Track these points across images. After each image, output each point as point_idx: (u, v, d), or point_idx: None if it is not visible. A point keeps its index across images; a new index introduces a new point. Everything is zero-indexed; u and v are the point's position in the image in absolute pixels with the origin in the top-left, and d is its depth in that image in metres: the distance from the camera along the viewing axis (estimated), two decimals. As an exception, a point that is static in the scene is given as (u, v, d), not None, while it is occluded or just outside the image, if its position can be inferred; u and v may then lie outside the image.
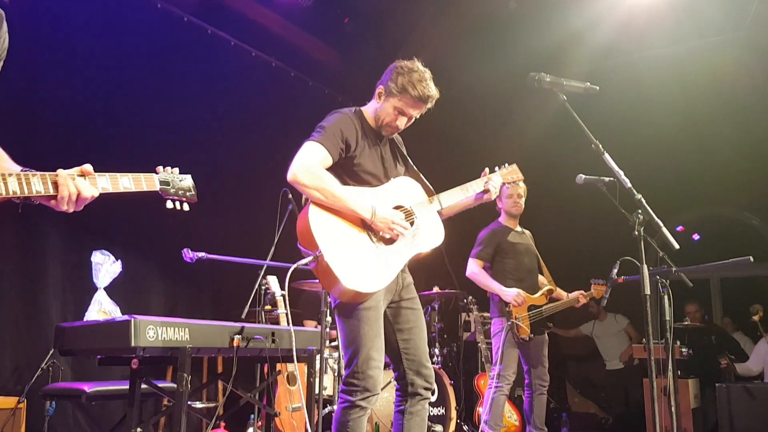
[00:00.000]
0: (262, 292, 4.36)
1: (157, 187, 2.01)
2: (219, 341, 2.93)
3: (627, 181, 2.59)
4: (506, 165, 3.20)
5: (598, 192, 2.92)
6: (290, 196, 4.63)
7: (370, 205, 2.57)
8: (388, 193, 2.73)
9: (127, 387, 2.93)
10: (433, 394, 2.79)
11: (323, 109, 7.80)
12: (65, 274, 4.47)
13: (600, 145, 2.62)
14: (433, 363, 4.88)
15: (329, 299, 4.16)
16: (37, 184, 1.70)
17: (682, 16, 6.10)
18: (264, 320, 4.37)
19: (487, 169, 3.06)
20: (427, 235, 2.77)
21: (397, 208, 2.71)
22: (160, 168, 2.07)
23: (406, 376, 2.70)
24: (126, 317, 2.62)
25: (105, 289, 4.06)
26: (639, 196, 2.48)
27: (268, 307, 4.38)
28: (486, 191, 2.96)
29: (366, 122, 2.80)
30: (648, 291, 2.47)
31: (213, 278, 5.47)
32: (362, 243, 2.58)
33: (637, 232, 2.46)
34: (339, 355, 4.27)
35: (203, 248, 3.92)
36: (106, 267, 3.95)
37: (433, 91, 2.72)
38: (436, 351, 5.36)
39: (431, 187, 2.89)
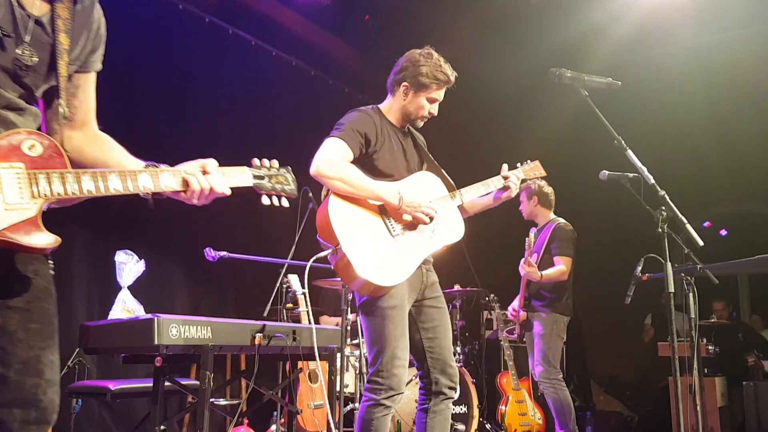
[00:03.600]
0: (284, 290, 4.39)
1: (250, 183, 1.85)
2: (241, 339, 2.94)
3: (651, 177, 2.55)
4: (528, 161, 3.15)
5: (621, 188, 2.88)
6: (311, 194, 4.64)
7: (397, 191, 2.58)
8: (407, 187, 2.72)
9: (151, 385, 2.96)
10: (456, 393, 2.77)
11: (343, 107, 7.81)
12: (90, 274, 4.54)
13: (623, 141, 2.58)
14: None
15: (350, 297, 4.18)
16: (168, 179, 1.66)
17: (705, 9, 6.00)
18: (285, 318, 4.40)
19: (505, 165, 3.01)
20: (448, 230, 2.75)
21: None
22: (255, 160, 1.92)
23: (430, 374, 2.69)
24: (149, 316, 2.65)
25: (129, 288, 4.11)
26: (663, 192, 2.44)
27: (289, 305, 4.40)
28: (506, 188, 2.93)
29: (385, 119, 2.81)
30: (672, 289, 2.43)
31: (235, 277, 5.51)
32: (382, 236, 2.58)
33: (661, 229, 2.43)
34: (360, 352, 4.28)
35: (225, 247, 3.95)
36: (129, 266, 4.00)
37: (452, 71, 2.78)
38: (458, 349, 5.34)
39: (453, 183, 2.87)
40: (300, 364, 3.50)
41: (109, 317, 3.98)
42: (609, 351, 7.63)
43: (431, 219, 2.62)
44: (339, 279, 4.00)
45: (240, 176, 1.82)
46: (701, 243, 2.35)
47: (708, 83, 6.58)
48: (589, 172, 3.18)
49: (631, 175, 2.81)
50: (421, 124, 2.84)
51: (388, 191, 2.56)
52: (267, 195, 1.91)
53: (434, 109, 2.80)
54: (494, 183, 2.93)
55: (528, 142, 6.85)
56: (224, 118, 5.54)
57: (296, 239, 4.47)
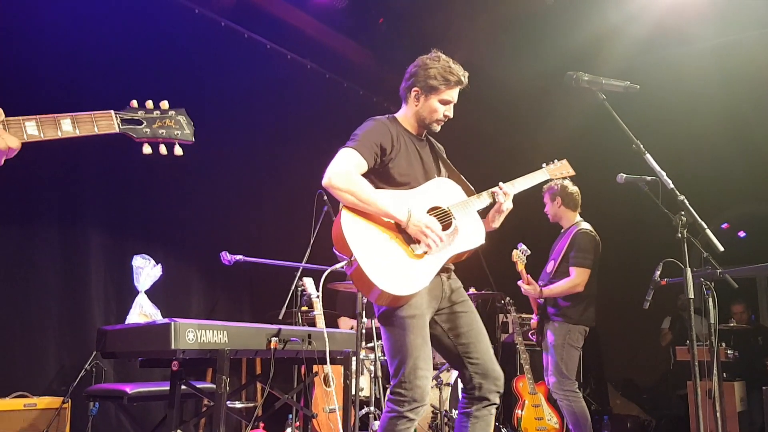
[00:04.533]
0: (299, 293, 4.40)
1: (115, 129, 1.59)
2: (256, 343, 2.96)
3: (669, 181, 2.52)
4: (555, 161, 3.09)
5: (639, 192, 2.85)
6: (325, 197, 4.65)
7: (406, 208, 2.56)
8: (424, 194, 2.71)
9: (168, 388, 2.98)
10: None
11: (358, 110, 7.88)
12: (108, 277, 4.57)
13: (641, 145, 2.56)
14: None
15: (366, 300, 4.18)
16: None
17: (723, 9, 5.93)
18: (301, 321, 4.40)
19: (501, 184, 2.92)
20: (466, 235, 2.72)
21: (434, 208, 2.69)
22: (133, 102, 1.67)
23: (472, 380, 2.64)
24: (166, 320, 2.66)
25: (146, 292, 4.14)
26: (682, 197, 2.41)
27: (304, 308, 4.41)
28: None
29: (401, 127, 2.80)
30: (692, 294, 2.40)
31: (251, 280, 5.53)
32: (397, 246, 2.57)
33: (680, 234, 2.40)
34: (375, 356, 4.27)
35: (241, 251, 3.96)
36: (146, 271, 4.03)
37: (464, 71, 2.77)
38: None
39: (472, 188, 2.85)
40: (315, 367, 3.50)
41: (127, 321, 4.01)
42: (626, 355, 7.57)
43: (436, 243, 2.58)
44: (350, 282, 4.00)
45: (102, 121, 1.58)
46: (721, 249, 2.32)
47: (726, 84, 6.50)
48: (607, 175, 3.16)
49: (648, 178, 2.78)
50: (438, 128, 2.82)
51: (396, 209, 2.55)
52: (148, 143, 1.68)
53: (449, 111, 2.78)
54: (518, 186, 2.88)
55: (544, 143, 6.83)
56: (239, 122, 5.57)
57: (311, 242, 4.48)
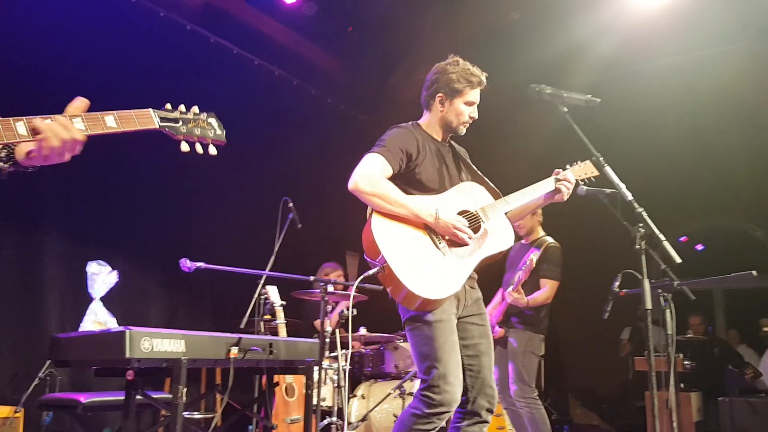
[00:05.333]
0: (262, 302, 4.34)
1: (155, 125, 1.67)
2: (215, 352, 2.89)
3: (628, 194, 2.56)
4: (578, 162, 3.05)
5: (600, 204, 2.89)
6: (291, 205, 4.62)
7: (434, 208, 2.56)
8: (452, 198, 2.72)
9: (123, 398, 2.91)
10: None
11: (326, 118, 7.86)
12: (64, 284, 4.47)
13: (601, 158, 2.60)
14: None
15: (329, 309, 4.14)
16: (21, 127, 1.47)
17: (687, 26, 6.09)
18: (263, 330, 4.35)
19: (560, 170, 2.95)
20: (495, 239, 2.72)
21: (462, 212, 2.69)
22: (168, 105, 1.77)
23: (468, 392, 2.63)
24: (121, 328, 2.59)
25: (102, 299, 4.04)
26: (640, 209, 2.45)
27: (267, 317, 4.35)
28: (557, 191, 2.86)
29: (426, 133, 2.82)
30: (649, 305, 2.44)
31: (213, 288, 5.45)
32: (428, 249, 2.56)
33: (638, 246, 2.43)
34: (339, 366, 4.23)
35: (203, 258, 3.89)
36: (102, 277, 3.93)
37: (482, 72, 2.83)
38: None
39: (498, 191, 2.86)
40: (276, 377, 3.45)
41: (80, 329, 3.91)
42: (586, 365, 7.66)
43: (470, 236, 2.58)
44: (318, 291, 3.97)
45: (141, 119, 1.65)
46: (678, 260, 2.36)
47: (690, 99, 6.66)
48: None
49: (608, 190, 2.82)
50: (464, 130, 2.84)
51: (424, 209, 2.55)
52: (186, 141, 1.76)
53: (474, 112, 2.82)
54: (543, 187, 2.88)
55: (510, 157, 6.88)
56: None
57: (275, 250, 4.43)
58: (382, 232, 2.50)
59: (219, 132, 1.84)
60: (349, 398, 4.56)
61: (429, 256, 2.54)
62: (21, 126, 1.50)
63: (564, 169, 2.99)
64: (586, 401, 7.33)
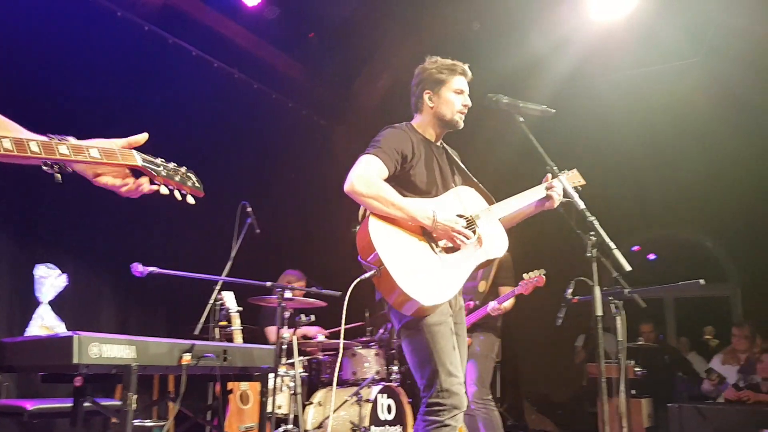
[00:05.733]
0: (217, 308, 4.28)
1: (138, 163, 1.78)
2: (167, 359, 2.83)
3: (581, 203, 2.61)
4: (566, 170, 3.08)
5: (554, 213, 2.94)
6: (249, 209, 4.58)
7: (431, 211, 2.53)
8: (448, 202, 2.69)
9: (71, 405, 2.83)
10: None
11: (286, 122, 7.79)
12: (12, 287, 4.32)
13: (555, 167, 2.64)
14: (391, 381, 4.89)
15: (287, 315, 4.10)
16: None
17: (643, 42, 6.26)
18: (218, 337, 4.28)
19: (549, 175, 2.96)
20: (491, 244, 2.71)
21: (458, 216, 2.67)
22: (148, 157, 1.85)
23: None
24: (68, 333, 2.52)
25: (50, 303, 3.93)
26: (592, 218, 2.50)
27: (223, 323, 4.29)
28: (548, 198, 2.87)
29: (419, 135, 2.79)
30: (600, 312, 2.49)
31: (167, 293, 5.33)
32: (425, 253, 2.53)
33: (590, 254, 2.48)
34: (296, 372, 4.20)
35: (157, 262, 3.82)
36: (50, 281, 3.82)
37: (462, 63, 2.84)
38: (395, 368, 5.32)
39: (490, 196, 2.86)
40: (230, 384, 3.40)
41: (26, 334, 3.79)
42: (542, 371, 7.78)
43: (468, 238, 2.57)
44: (275, 297, 3.93)
45: (124, 156, 1.77)
46: (628, 268, 2.41)
47: (647, 112, 6.86)
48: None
49: (563, 199, 2.87)
50: (461, 122, 2.81)
51: (421, 212, 2.52)
52: (165, 185, 1.87)
53: (466, 100, 2.80)
54: (536, 193, 2.88)
55: (470, 166, 6.96)
56: (160, 128, 5.38)
57: (232, 255, 4.38)
58: (379, 234, 2.47)
59: (198, 185, 1.95)
60: (305, 405, 4.52)
61: (426, 260, 2.52)
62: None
63: (561, 172, 3.01)
64: (541, 407, 7.43)
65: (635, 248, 8.31)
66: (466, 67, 2.82)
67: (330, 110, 7.26)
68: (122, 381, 2.65)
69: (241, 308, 4.37)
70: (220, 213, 4.93)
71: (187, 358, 2.81)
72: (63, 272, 4.00)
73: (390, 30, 6.60)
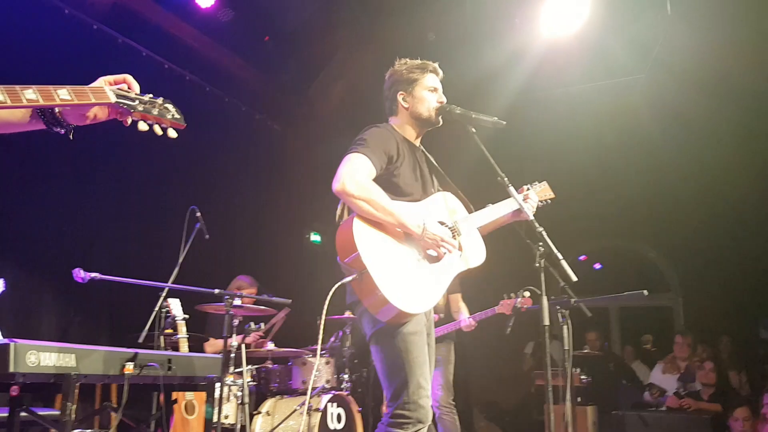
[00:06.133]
0: (163, 315, 4.17)
1: (111, 100, 1.67)
2: (109, 368, 2.75)
3: (530, 213, 2.65)
4: (537, 183, 3.12)
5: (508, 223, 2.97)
6: (198, 214, 4.49)
7: (421, 220, 2.49)
8: (431, 209, 2.66)
9: (7, 415, 2.72)
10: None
11: (239, 127, 7.66)
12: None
13: (506, 178, 2.67)
14: (342, 390, 4.86)
15: (236, 323, 4.03)
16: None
17: (594, 57, 6.43)
18: (163, 345, 4.18)
19: (525, 187, 2.99)
20: (471, 253, 2.69)
21: (439, 223, 2.64)
22: (124, 86, 1.76)
23: None
24: (5, 341, 2.43)
25: (-15, 309, 3.77)
26: (540, 228, 2.54)
27: (168, 330, 4.19)
28: (522, 209, 2.83)
29: (400, 135, 2.76)
30: (547, 321, 2.53)
31: (111, 300, 5.18)
32: (408, 260, 2.48)
33: (538, 264, 2.52)
34: (243, 382, 4.12)
35: (101, 268, 3.71)
36: (-14, 286, 3.66)
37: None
38: (346, 377, 5.29)
39: (468, 201, 2.85)
40: (175, 394, 3.32)
41: (-41, 342, 3.61)
42: (491, 379, 7.87)
43: (452, 251, 2.54)
44: (221, 304, 3.86)
45: (95, 93, 1.67)
46: (574, 278, 2.46)
47: (595, 126, 7.05)
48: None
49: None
50: (438, 118, 2.78)
51: (411, 220, 2.47)
52: (143, 120, 1.76)
53: (440, 97, 2.80)
54: (511, 203, 2.87)
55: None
56: (107, 129, 5.24)
57: (180, 261, 4.28)
58: (363, 238, 2.40)
59: (177, 116, 1.83)
60: (253, 415, 4.45)
61: (409, 267, 2.47)
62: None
63: (531, 185, 3.08)
64: (490, 414, 7.51)
65: (582, 258, 8.52)
66: (436, 65, 2.84)
67: (284, 115, 7.20)
68: (61, 390, 2.57)
69: (187, 316, 4.27)
70: (168, 217, 4.83)
71: (129, 367, 2.74)
72: (0, 277, 3.83)
73: (346, 37, 6.60)
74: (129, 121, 1.74)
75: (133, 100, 1.74)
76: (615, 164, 7.50)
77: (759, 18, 5.68)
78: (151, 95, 1.81)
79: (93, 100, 1.66)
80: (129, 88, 1.76)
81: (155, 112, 1.78)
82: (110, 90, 1.71)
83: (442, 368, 4.76)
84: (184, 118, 1.87)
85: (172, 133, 1.83)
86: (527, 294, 4.55)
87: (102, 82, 1.73)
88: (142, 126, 1.76)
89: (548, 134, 7.19)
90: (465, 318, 4.82)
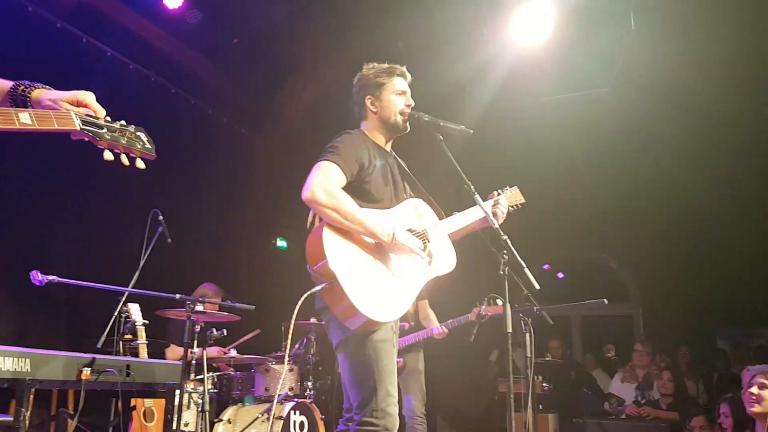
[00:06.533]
0: (122, 320, 4.09)
1: (76, 127, 1.60)
2: (65, 373, 2.70)
3: (495, 221, 2.68)
4: (508, 188, 3.14)
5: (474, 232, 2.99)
6: (161, 217, 4.42)
7: (391, 228, 2.48)
8: (400, 215, 2.65)
9: (-44, 422, 2.64)
10: None
11: (206, 130, 7.57)
12: None
13: (472, 186, 2.69)
14: (305, 397, 4.82)
15: (198, 329, 3.97)
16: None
17: (560, 69, 6.53)
18: (122, 351, 4.09)
19: (495, 192, 3.00)
20: (441, 260, 2.69)
21: (408, 231, 2.63)
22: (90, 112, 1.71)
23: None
24: (-45, 345, 2.35)
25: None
26: (505, 237, 2.56)
27: (128, 336, 4.10)
28: (493, 215, 2.85)
29: (371, 141, 2.76)
30: (510, 329, 2.54)
31: (69, 304, 5.05)
32: (377, 268, 2.48)
33: (502, 272, 2.54)
34: (204, 389, 4.06)
35: (60, 271, 3.62)
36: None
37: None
38: (309, 384, 5.25)
39: (439, 207, 2.84)
40: (134, 400, 3.26)
41: None
42: (455, 386, 7.89)
43: (423, 257, 2.55)
44: (183, 310, 3.80)
45: (60, 119, 1.61)
46: (537, 287, 2.49)
47: (562, 136, 7.15)
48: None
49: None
50: (407, 125, 2.78)
51: (381, 229, 2.46)
52: (110, 150, 1.69)
53: (408, 100, 2.80)
54: (479, 211, 2.86)
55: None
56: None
57: (141, 265, 4.21)
58: (333, 247, 2.40)
59: (148, 146, 1.77)
60: (214, 422, 4.38)
61: (378, 275, 2.48)
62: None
63: (502, 190, 3.10)
64: (453, 421, 7.54)
65: (546, 267, 8.63)
66: (404, 68, 2.85)
67: (252, 120, 7.15)
68: (15, 396, 2.51)
69: (147, 321, 4.19)
70: (129, 220, 4.74)
71: (86, 372, 2.69)
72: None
73: (316, 42, 6.58)
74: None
75: (101, 127, 1.68)
76: (581, 175, 7.63)
77: (719, 34, 5.85)
78: (123, 122, 1.76)
79: (56, 127, 1.59)
80: (87, 107, 1.72)
81: (124, 141, 1.72)
82: (76, 116, 1.65)
83: (420, 378, 4.75)
84: (155, 149, 1.81)
85: (141, 164, 1.78)
86: (500, 302, 4.56)
87: (73, 98, 1.71)
88: (108, 155, 1.69)
89: (516, 145, 7.28)
90: (435, 325, 4.79)
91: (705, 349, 7.74)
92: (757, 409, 3.38)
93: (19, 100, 1.72)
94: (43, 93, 1.75)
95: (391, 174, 2.76)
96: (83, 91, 1.74)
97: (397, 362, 4.53)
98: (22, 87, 1.74)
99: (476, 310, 4.62)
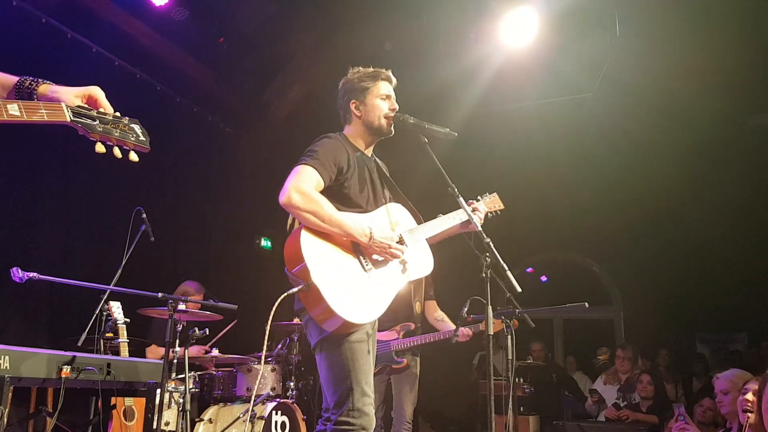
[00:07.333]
0: (103, 318, 4.06)
1: (66, 119, 1.56)
2: (45, 371, 2.67)
3: (478, 225, 2.69)
4: (487, 194, 3.16)
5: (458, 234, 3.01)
6: (144, 215, 4.39)
7: (368, 228, 2.51)
8: (379, 220, 2.67)
9: (-69, 421, 2.59)
10: None
11: (191, 128, 7.53)
12: None
13: (456, 189, 2.71)
14: (287, 397, 4.81)
15: (180, 328, 3.95)
16: None
17: (546, 74, 6.58)
18: (103, 349, 4.06)
19: (474, 200, 3.03)
20: (418, 263, 2.71)
21: None
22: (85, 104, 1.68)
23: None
24: (-68, 342, 2.32)
25: None
26: (488, 240, 2.57)
27: (109, 334, 4.07)
28: (471, 221, 2.85)
29: (352, 145, 2.76)
30: (491, 331, 2.56)
31: (50, 301, 5.00)
32: (355, 271, 2.50)
33: (484, 274, 2.55)
34: (186, 388, 4.04)
35: (40, 267, 3.58)
36: None
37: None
38: (292, 384, 5.24)
39: (417, 212, 2.86)
40: (114, 399, 3.23)
41: None
42: (437, 388, 7.90)
43: (400, 256, 2.58)
44: (165, 308, 3.77)
45: (50, 111, 1.57)
46: (519, 290, 2.50)
47: (548, 139, 7.20)
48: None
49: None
50: (391, 128, 2.79)
51: (358, 229, 2.49)
52: (102, 142, 1.66)
53: (393, 103, 2.81)
54: (458, 216, 2.89)
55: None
56: (54, 126, 5.10)
57: (123, 263, 4.18)
58: (310, 249, 2.42)
59: (142, 138, 1.72)
60: (195, 422, 4.36)
61: (355, 277, 2.50)
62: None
63: (482, 197, 3.12)
64: (435, 423, 7.55)
65: (529, 270, 8.69)
66: (389, 72, 2.87)
67: (238, 118, 7.11)
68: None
69: (128, 320, 4.17)
70: (112, 218, 4.71)
71: (66, 370, 2.66)
72: (-70, 275, 3.66)
73: (304, 42, 6.58)
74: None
75: (93, 119, 1.64)
76: (565, 179, 7.69)
77: (704, 41, 5.93)
78: (117, 114, 1.72)
79: (45, 119, 1.56)
80: (96, 102, 1.69)
81: (116, 133, 1.68)
82: (67, 108, 1.62)
83: (410, 381, 4.68)
84: (149, 141, 1.77)
85: (134, 157, 1.74)
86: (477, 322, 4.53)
87: (69, 94, 1.68)
88: (99, 148, 1.66)
89: (500, 148, 7.32)
90: (451, 327, 4.63)
91: (684, 353, 7.83)
92: (752, 419, 3.30)
93: (25, 94, 1.70)
94: (49, 88, 1.73)
95: (370, 179, 2.78)
96: (94, 87, 1.72)
97: (400, 362, 4.55)
98: (29, 81, 1.71)
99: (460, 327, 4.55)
